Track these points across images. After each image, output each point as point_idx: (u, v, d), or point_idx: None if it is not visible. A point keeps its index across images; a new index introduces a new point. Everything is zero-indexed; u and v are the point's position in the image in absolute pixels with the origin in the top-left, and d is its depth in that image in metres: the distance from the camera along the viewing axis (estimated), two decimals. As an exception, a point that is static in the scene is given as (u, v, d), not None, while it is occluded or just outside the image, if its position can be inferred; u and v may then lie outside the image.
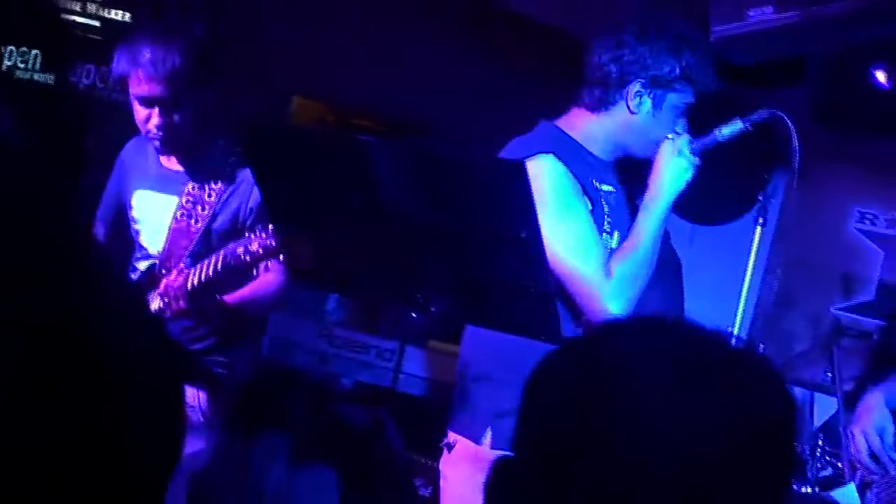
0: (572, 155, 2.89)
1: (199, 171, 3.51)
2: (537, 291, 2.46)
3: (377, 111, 5.95)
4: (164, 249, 3.52)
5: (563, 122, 3.00)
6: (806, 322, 5.94)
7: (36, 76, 5.31)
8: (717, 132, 2.98)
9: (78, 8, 5.27)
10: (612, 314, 2.80)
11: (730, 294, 4.72)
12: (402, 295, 2.66)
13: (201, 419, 3.54)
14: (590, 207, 2.86)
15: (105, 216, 3.76)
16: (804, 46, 4.57)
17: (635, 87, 2.91)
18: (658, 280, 4.18)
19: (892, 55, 5.32)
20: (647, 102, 2.93)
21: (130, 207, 3.61)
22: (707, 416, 1.16)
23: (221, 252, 3.26)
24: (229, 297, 3.45)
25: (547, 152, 2.78)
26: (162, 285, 3.34)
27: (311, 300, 5.31)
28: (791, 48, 4.53)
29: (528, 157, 2.69)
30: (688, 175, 2.97)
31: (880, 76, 5.43)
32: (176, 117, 3.38)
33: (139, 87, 3.35)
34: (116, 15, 5.21)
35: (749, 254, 4.47)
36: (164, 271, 3.47)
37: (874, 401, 3.39)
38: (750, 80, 5.40)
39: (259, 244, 3.18)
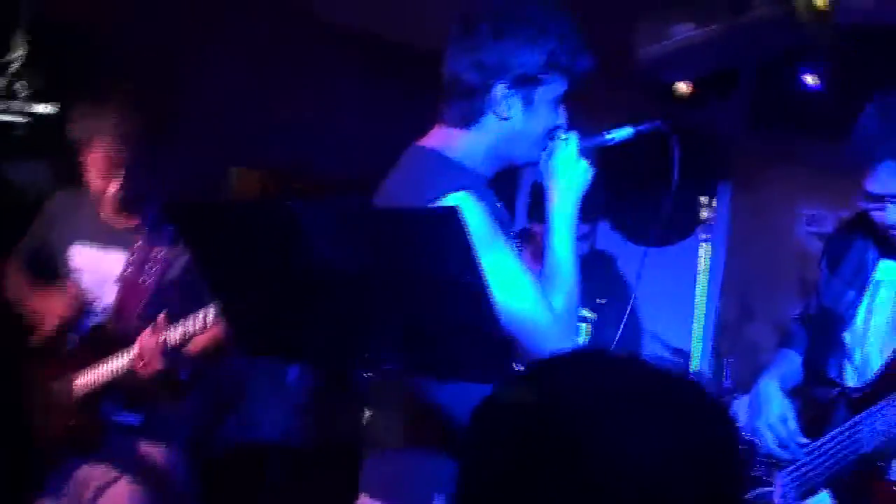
0: (472, 182, 2.63)
1: (148, 229, 3.55)
2: (490, 336, 2.41)
3: (316, 173, 5.93)
4: (114, 307, 3.52)
5: (437, 144, 2.75)
6: (769, 331, 5.94)
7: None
8: (605, 134, 2.79)
9: (2, 106, 5.22)
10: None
11: (688, 313, 4.74)
12: (352, 355, 2.60)
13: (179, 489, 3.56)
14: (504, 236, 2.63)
15: (30, 263, 3.75)
16: (730, 58, 4.60)
17: (500, 90, 2.63)
18: (612, 309, 4.19)
19: (819, 58, 5.37)
20: (518, 103, 2.64)
21: (67, 260, 3.61)
22: (651, 448, 1.15)
23: (191, 319, 3.27)
24: (192, 348, 3.46)
25: (456, 189, 2.54)
26: (138, 346, 3.32)
27: (272, 370, 5.27)
28: (717, 61, 4.57)
29: (435, 198, 2.53)
30: (587, 178, 2.76)
31: (809, 79, 5.48)
32: (136, 180, 3.46)
33: (103, 150, 3.44)
34: (42, 109, 5.16)
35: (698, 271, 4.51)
36: (115, 329, 3.49)
37: (771, 389, 3.35)
38: (682, 98, 5.45)
39: None
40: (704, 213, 4.48)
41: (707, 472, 1.17)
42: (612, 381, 1.21)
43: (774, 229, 6.06)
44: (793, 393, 3.42)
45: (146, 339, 3.31)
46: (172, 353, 3.32)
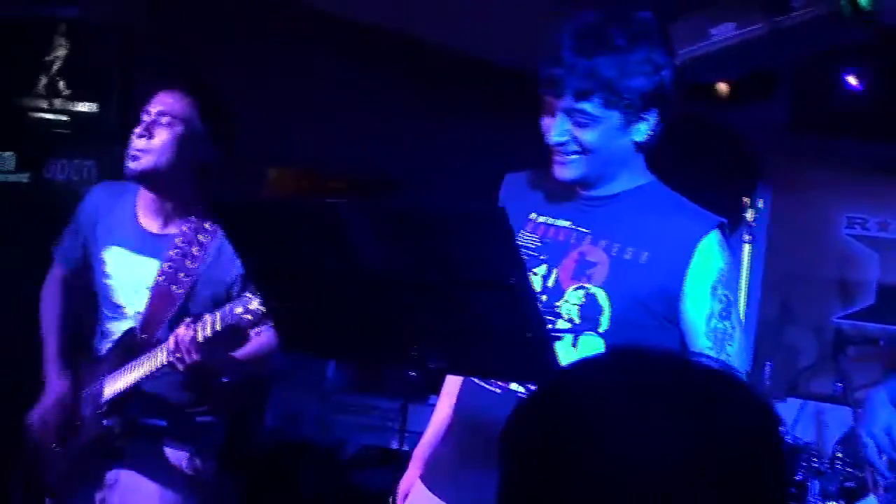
0: None
1: (185, 239, 3.50)
2: (534, 337, 2.39)
3: (352, 172, 5.94)
4: (144, 314, 3.48)
5: None
6: (809, 335, 5.90)
7: (10, 177, 5.30)
8: None
9: (45, 105, 5.27)
10: None
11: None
12: (396, 354, 2.59)
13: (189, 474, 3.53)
14: None
15: (68, 261, 3.72)
16: (770, 59, 4.56)
17: None
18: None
19: (861, 58, 5.32)
20: None
21: (102, 262, 3.57)
22: (678, 443, 1.12)
23: (218, 313, 3.23)
24: (237, 353, 3.44)
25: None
26: (171, 341, 3.29)
27: (310, 368, 5.27)
28: (758, 62, 4.53)
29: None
30: None
31: (852, 80, 5.43)
32: (172, 144, 3.41)
33: (160, 101, 3.45)
34: (84, 108, 5.20)
35: (740, 272, 4.47)
36: (144, 336, 3.45)
37: (877, 400, 3.32)
38: (721, 99, 5.41)
39: (260, 303, 3.13)
40: (749, 214, 4.44)
41: (742, 466, 1.14)
42: (648, 377, 1.18)
43: (815, 231, 6.01)
44: None
45: (182, 333, 3.27)
46: (209, 346, 3.28)
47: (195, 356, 3.26)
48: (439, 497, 2.80)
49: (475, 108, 5.72)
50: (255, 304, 3.14)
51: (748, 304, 4.69)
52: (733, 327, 2.62)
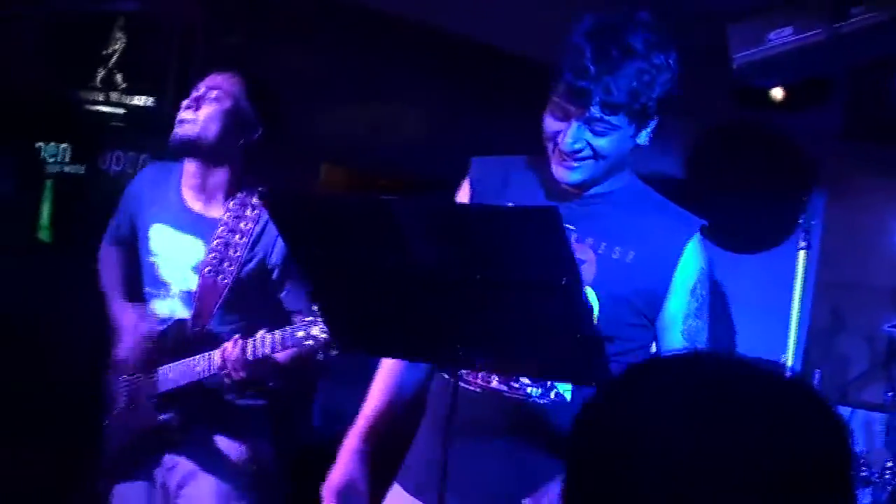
0: None
1: (229, 224, 3.53)
2: (585, 337, 2.38)
3: (403, 170, 5.95)
4: (194, 307, 3.52)
5: None
6: (861, 343, 5.85)
7: (66, 168, 5.37)
8: None
9: (102, 98, 5.32)
10: None
11: (780, 321, 4.67)
12: (445, 352, 2.59)
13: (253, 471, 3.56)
14: None
15: (117, 240, 3.80)
16: (828, 65, 4.52)
17: None
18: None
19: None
20: None
21: (147, 239, 3.62)
22: (744, 448, 1.12)
23: (279, 334, 3.25)
24: (281, 356, 3.44)
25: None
26: (218, 357, 3.33)
27: (356, 367, 5.27)
28: (815, 68, 4.49)
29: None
30: None
31: (911, 87, 5.37)
32: (217, 117, 3.49)
33: (210, 79, 3.56)
34: (140, 101, 5.25)
35: (794, 278, 4.44)
36: (196, 329, 3.50)
37: None
38: (775, 104, 5.37)
39: (321, 329, 3.16)
40: (804, 220, 4.41)
41: (804, 476, 1.13)
42: (711, 381, 1.18)
43: (868, 239, 5.95)
44: None
45: (229, 351, 3.31)
46: (257, 364, 3.31)
47: (241, 374, 3.31)
48: (421, 501, 2.78)
49: (529, 110, 5.71)
50: (316, 329, 3.17)
51: (802, 311, 4.65)
52: (704, 324, 2.65)
